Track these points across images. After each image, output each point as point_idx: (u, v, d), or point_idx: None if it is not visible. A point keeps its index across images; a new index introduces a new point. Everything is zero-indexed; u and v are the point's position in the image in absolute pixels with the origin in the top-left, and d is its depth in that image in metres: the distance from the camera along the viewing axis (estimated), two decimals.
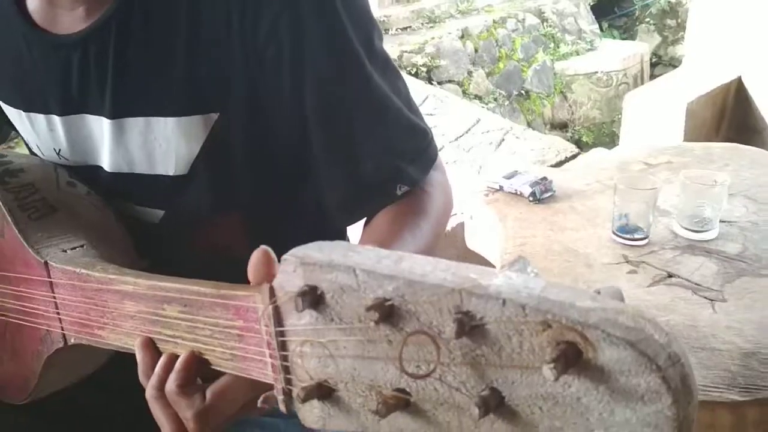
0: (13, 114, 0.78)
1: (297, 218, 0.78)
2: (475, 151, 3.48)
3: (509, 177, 1.53)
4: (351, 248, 0.38)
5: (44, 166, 0.75)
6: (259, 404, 0.42)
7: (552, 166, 3.05)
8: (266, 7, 0.63)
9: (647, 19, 8.03)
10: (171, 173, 0.71)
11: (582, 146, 5.50)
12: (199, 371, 0.49)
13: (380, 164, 0.68)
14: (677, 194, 1.32)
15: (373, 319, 0.35)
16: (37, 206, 0.68)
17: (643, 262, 1.21)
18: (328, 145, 0.69)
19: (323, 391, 0.39)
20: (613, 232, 1.29)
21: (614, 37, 7.69)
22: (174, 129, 0.68)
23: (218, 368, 0.48)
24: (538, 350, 0.32)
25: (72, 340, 0.62)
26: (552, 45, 6.42)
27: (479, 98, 5.41)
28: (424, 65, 4.99)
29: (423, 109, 4.04)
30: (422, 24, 5.63)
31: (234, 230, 0.75)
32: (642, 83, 6.18)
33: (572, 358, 0.30)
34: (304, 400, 0.40)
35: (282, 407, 0.42)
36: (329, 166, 0.70)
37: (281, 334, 0.41)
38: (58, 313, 0.62)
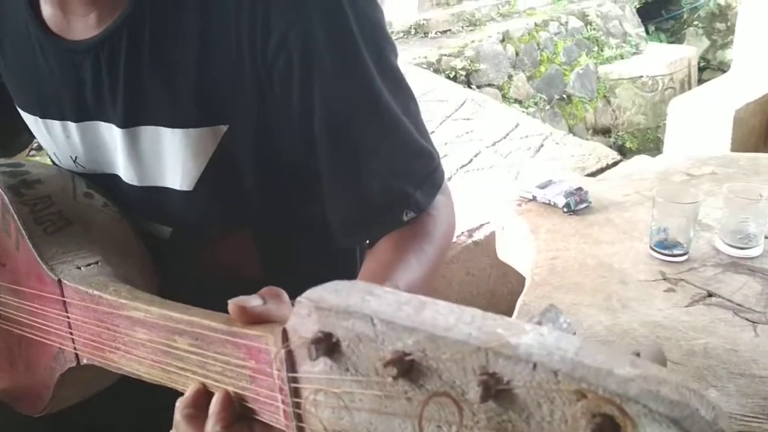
0: (31, 120, 0.78)
1: (306, 236, 0.76)
2: (512, 156, 3.42)
3: (543, 186, 1.48)
4: (370, 291, 0.35)
5: (62, 177, 0.74)
6: None
7: (592, 173, 2.97)
8: (277, 19, 0.61)
9: (695, 23, 7.82)
10: (177, 187, 0.70)
11: (625, 152, 5.39)
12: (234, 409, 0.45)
13: (387, 186, 0.66)
14: (720, 208, 1.26)
15: (392, 375, 0.32)
16: (52, 219, 0.67)
17: (682, 279, 1.15)
18: (333, 162, 0.66)
19: None
20: (651, 247, 1.24)
21: (661, 41, 7.52)
22: (182, 140, 0.67)
23: None
24: (571, 422, 0.28)
25: (84, 361, 0.61)
26: (596, 48, 6.30)
27: (519, 102, 5.33)
28: (463, 69, 4.94)
29: (461, 114, 4.00)
30: (462, 27, 5.57)
31: (243, 247, 0.73)
32: (689, 88, 6.02)
33: None
34: None
35: None
36: (334, 184, 0.68)
37: (294, 380, 0.38)
38: (71, 333, 0.61)
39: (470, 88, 4.75)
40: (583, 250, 1.28)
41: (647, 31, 7.30)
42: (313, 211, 0.73)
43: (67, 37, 0.69)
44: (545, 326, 0.32)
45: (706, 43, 7.73)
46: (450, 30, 5.49)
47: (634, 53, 6.51)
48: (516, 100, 5.32)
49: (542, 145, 3.63)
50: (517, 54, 5.55)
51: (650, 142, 5.96)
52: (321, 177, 0.69)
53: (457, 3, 5.79)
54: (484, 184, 2.83)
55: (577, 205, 1.42)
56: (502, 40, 5.47)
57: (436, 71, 4.66)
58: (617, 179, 1.65)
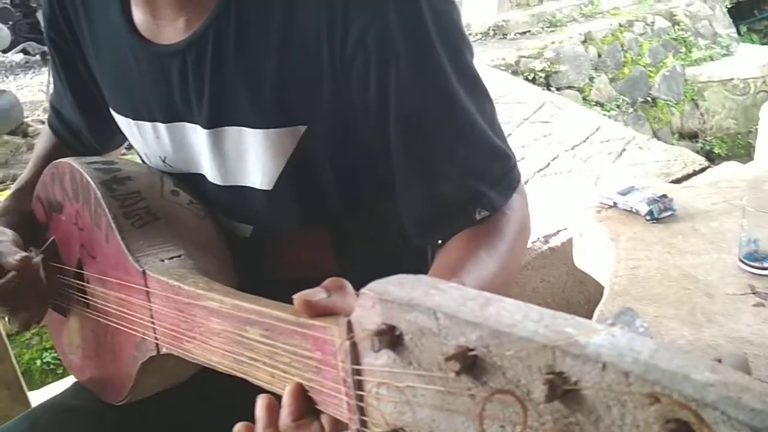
0: (123, 122, 0.81)
1: (381, 234, 0.76)
2: (592, 161, 3.33)
3: (625, 193, 1.44)
4: (434, 285, 0.35)
5: (151, 174, 0.78)
6: None
7: (678, 179, 2.85)
8: (355, 19, 0.61)
9: None
10: (258, 186, 0.72)
11: (713, 158, 5.17)
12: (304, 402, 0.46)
13: (460, 186, 0.66)
14: None
15: (455, 370, 0.32)
16: (140, 214, 0.70)
17: None
18: (408, 162, 0.66)
19: None
20: (740, 259, 1.18)
21: (753, 42, 7.21)
22: (263, 141, 0.69)
23: None
24: (644, 427, 0.27)
25: (164, 350, 0.63)
26: (683, 50, 6.08)
27: (600, 105, 5.20)
28: (542, 71, 4.86)
29: (539, 116, 3.93)
30: (542, 28, 5.49)
31: (319, 246, 0.74)
32: None
33: None
34: None
35: None
36: (408, 183, 0.68)
37: (358, 372, 0.38)
38: (152, 323, 0.64)
39: (549, 90, 4.67)
40: (666, 261, 1.24)
41: (739, 32, 7.02)
42: (388, 210, 0.73)
43: (156, 41, 0.72)
44: (618, 328, 0.31)
45: None
46: (529, 31, 5.41)
47: (725, 55, 6.26)
48: (597, 103, 5.19)
49: (624, 150, 3.53)
50: (599, 55, 5.42)
51: (741, 148, 5.71)
52: (395, 176, 0.69)
53: (537, 3, 5.70)
54: (561, 189, 2.76)
55: (660, 212, 1.37)
56: (584, 41, 5.36)
57: (515, 73, 4.60)
58: (704, 186, 1.58)
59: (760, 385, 0.26)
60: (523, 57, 4.85)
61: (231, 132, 0.70)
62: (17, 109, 3.06)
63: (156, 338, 0.64)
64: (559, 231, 1.95)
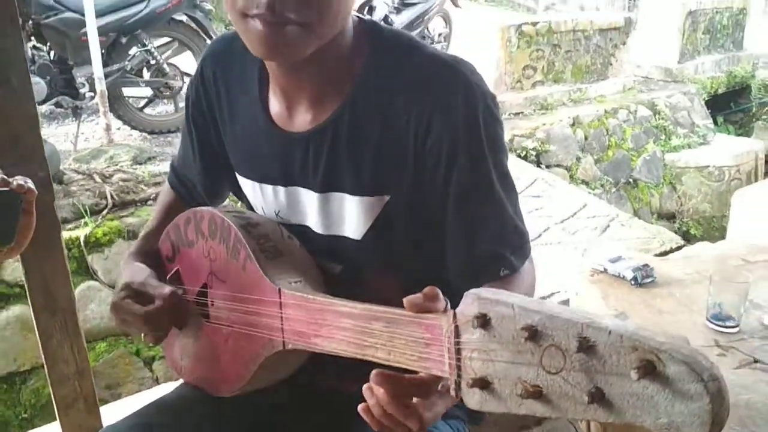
0: (247, 184, 1.05)
1: (440, 279, 1.00)
2: (580, 234, 3.62)
3: (613, 261, 1.71)
4: (509, 293, 0.61)
5: (272, 223, 1.01)
6: (439, 387, 0.64)
7: (656, 255, 3.15)
8: (435, 123, 0.87)
9: (764, 117, 7.91)
10: (350, 236, 0.96)
11: (690, 239, 5.43)
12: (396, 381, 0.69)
13: (491, 249, 0.91)
14: None
15: (524, 337, 0.57)
16: (270, 250, 0.94)
17: (733, 347, 1.35)
18: (457, 228, 0.92)
19: (483, 384, 0.61)
20: (707, 319, 1.44)
21: (729, 133, 7.56)
22: (358, 205, 0.93)
23: (408, 368, 0.70)
24: (629, 363, 0.52)
25: (290, 346, 0.86)
26: (663, 137, 6.40)
27: (586, 183, 5.52)
28: (533, 149, 5.18)
29: (531, 191, 4.23)
30: (534, 110, 5.82)
31: (392, 286, 0.93)
32: (756, 180, 6.07)
33: (650, 369, 0.51)
34: (470, 388, 0.62)
35: (452, 393, 0.64)
36: (454, 243, 0.93)
37: (458, 344, 0.63)
38: (282, 326, 0.86)
39: (540, 167, 4.99)
40: (647, 318, 1.49)
41: (716, 122, 7.33)
42: (444, 262, 0.99)
43: (286, 128, 0.97)
44: (615, 318, 0.57)
45: None
46: (523, 112, 5.75)
47: (702, 143, 6.56)
48: (583, 181, 5.51)
49: (608, 226, 3.84)
50: (586, 138, 5.76)
51: (715, 231, 5.96)
52: (446, 238, 0.94)
53: (530, 87, 6.09)
54: (552, 258, 3.04)
55: (643, 279, 1.63)
56: (572, 124, 5.69)
57: (509, 150, 4.92)
58: (680, 260, 1.86)
59: (691, 346, 0.51)
60: (517, 136, 5.17)
61: (336, 196, 0.95)
62: (56, 157, 3.28)
63: (284, 337, 0.86)
64: (553, 293, 2.21)
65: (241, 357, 0.95)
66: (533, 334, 0.57)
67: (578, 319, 0.55)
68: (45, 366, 1.45)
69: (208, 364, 1.03)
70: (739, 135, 7.55)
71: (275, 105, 0.98)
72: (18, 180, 0.89)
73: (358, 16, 0.95)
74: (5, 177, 0.89)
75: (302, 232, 1.00)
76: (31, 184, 0.91)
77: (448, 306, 0.68)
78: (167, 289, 0.97)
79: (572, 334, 0.54)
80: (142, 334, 0.99)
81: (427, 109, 0.88)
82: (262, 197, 1.03)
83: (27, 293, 1.40)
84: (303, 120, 0.95)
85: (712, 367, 0.50)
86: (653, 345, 0.50)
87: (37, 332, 1.42)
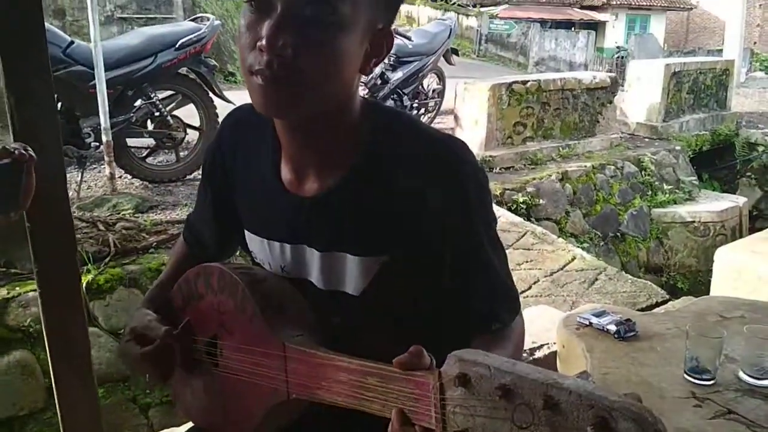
0: (255, 240, 1.14)
1: (435, 331, 1.09)
2: (569, 287, 3.72)
3: (598, 315, 1.81)
4: (486, 354, 0.70)
5: (277, 278, 1.09)
6: None
7: (642, 308, 3.25)
8: (435, 190, 0.97)
9: (749, 174, 8.13)
10: (350, 292, 1.05)
11: (677, 292, 5.53)
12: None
13: (484, 306, 1.01)
14: (742, 345, 1.56)
15: (498, 395, 0.65)
16: (275, 306, 1.02)
17: (708, 398, 1.44)
18: (452, 288, 1.01)
19: None
20: (685, 372, 1.53)
21: (714, 189, 7.72)
22: (358, 264, 1.02)
23: None
24: (587, 420, 0.59)
25: (293, 396, 0.94)
26: (650, 192, 6.56)
27: (575, 237, 5.63)
28: (524, 203, 5.31)
29: (521, 244, 4.32)
30: (524, 165, 5.97)
31: (388, 337, 1.00)
32: (740, 236, 6.21)
33: (604, 426, 0.58)
34: None
35: None
36: (450, 300, 1.02)
37: (443, 400, 0.71)
38: (286, 378, 0.94)
39: (530, 220, 5.12)
40: (630, 370, 1.58)
41: (701, 179, 7.52)
42: (437, 315, 1.08)
43: (295, 192, 1.05)
44: (578, 378, 0.66)
45: (758, 193, 7.98)
46: (513, 167, 5.89)
47: (687, 199, 6.73)
48: (572, 235, 5.62)
49: (596, 279, 3.94)
50: (574, 192, 5.89)
51: (701, 285, 6.02)
52: (440, 295, 1.04)
53: (521, 143, 6.25)
54: (540, 311, 3.13)
55: (626, 333, 1.73)
56: (561, 179, 5.82)
57: (499, 203, 5.05)
58: (661, 315, 1.96)
59: (639, 404, 0.60)
60: (508, 189, 5.30)
61: (337, 255, 1.03)
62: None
63: (288, 388, 0.94)
64: (542, 345, 2.30)
65: (249, 404, 1.02)
66: (506, 392, 0.64)
67: (544, 379, 0.62)
68: (59, 412, 1.49)
69: (217, 409, 1.09)
70: (724, 191, 7.72)
71: (286, 171, 1.07)
72: (19, 149, 0.93)
73: (363, 98, 1.07)
74: (6, 146, 0.92)
75: (305, 286, 1.08)
76: (31, 152, 0.94)
77: (434, 363, 0.75)
78: (163, 329, 1.05)
79: (539, 393, 0.61)
80: (146, 375, 1.06)
81: (424, 181, 0.98)
82: (270, 253, 1.12)
83: (45, 339, 1.47)
84: (311, 186, 1.04)
85: (657, 422, 0.58)
86: (606, 404, 0.57)
87: (53, 378, 1.46)
